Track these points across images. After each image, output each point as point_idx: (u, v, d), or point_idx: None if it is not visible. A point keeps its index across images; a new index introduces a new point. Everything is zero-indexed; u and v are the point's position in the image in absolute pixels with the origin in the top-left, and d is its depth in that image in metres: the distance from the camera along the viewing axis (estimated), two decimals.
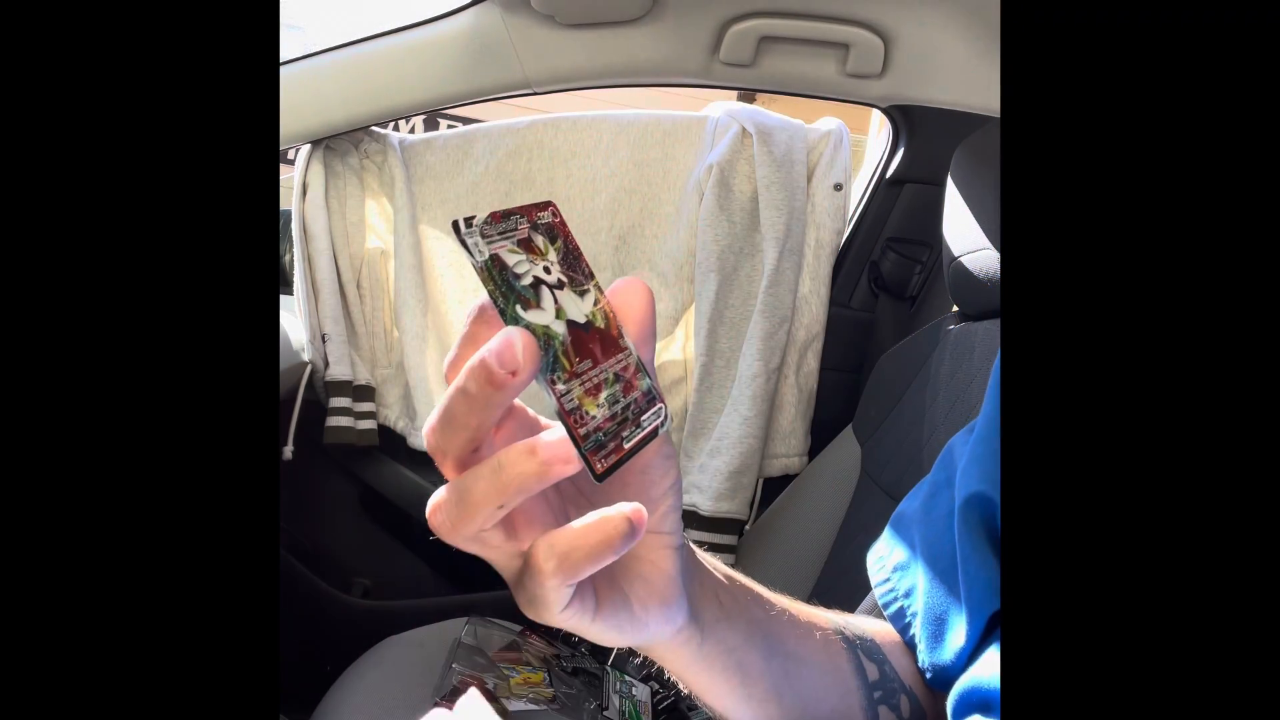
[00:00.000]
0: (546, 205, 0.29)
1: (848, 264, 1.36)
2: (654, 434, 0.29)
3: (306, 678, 1.02)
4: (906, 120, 1.28)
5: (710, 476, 1.29)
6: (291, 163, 1.26)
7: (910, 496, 0.50)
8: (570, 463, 0.25)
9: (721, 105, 1.36)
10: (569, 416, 0.26)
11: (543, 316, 0.26)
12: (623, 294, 0.29)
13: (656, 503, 0.31)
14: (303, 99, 1.13)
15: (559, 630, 1.16)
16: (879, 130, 1.40)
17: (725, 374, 1.33)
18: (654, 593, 0.31)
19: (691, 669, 0.35)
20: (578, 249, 0.29)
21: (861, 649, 0.43)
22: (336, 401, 1.24)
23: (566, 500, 0.32)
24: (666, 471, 0.31)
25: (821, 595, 0.44)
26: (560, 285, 0.28)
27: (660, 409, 0.29)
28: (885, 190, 1.33)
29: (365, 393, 1.28)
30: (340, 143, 1.24)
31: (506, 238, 0.27)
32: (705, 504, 1.28)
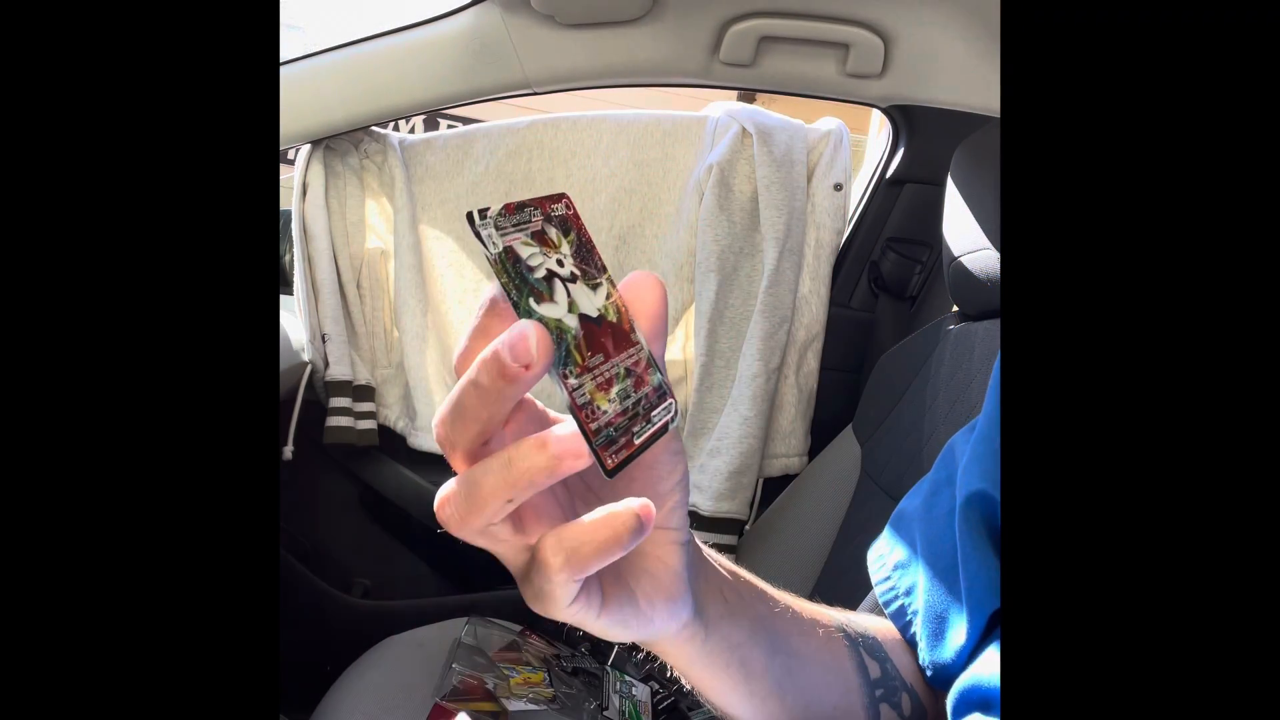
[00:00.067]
0: (560, 197, 0.29)
1: (848, 264, 1.36)
2: (664, 429, 0.29)
3: (306, 678, 1.02)
4: (906, 120, 1.28)
5: (710, 476, 1.29)
6: (291, 163, 1.26)
7: (911, 495, 0.50)
8: (581, 458, 0.25)
9: (721, 105, 1.36)
10: (580, 411, 0.26)
11: (555, 310, 0.26)
12: (635, 288, 0.29)
13: (663, 498, 0.31)
14: (303, 99, 1.13)
15: (559, 630, 1.17)
16: (879, 130, 1.40)
17: (725, 374, 1.33)
18: (659, 588, 0.31)
19: (695, 665, 0.35)
20: (591, 242, 0.29)
21: (864, 646, 0.43)
22: (336, 401, 1.24)
23: (574, 495, 0.32)
24: (674, 467, 0.31)
25: (822, 595, 0.44)
26: (573, 278, 0.27)
27: (670, 404, 0.29)
28: (885, 190, 1.33)
29: (365, 393, 1.28)
30: (340, 143, 1.24)
31: (520, 230, 0.26)
32: (705, 504, 1.28)
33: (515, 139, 1.32)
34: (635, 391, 0.28)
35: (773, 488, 1.30)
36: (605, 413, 0.27)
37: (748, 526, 1.31)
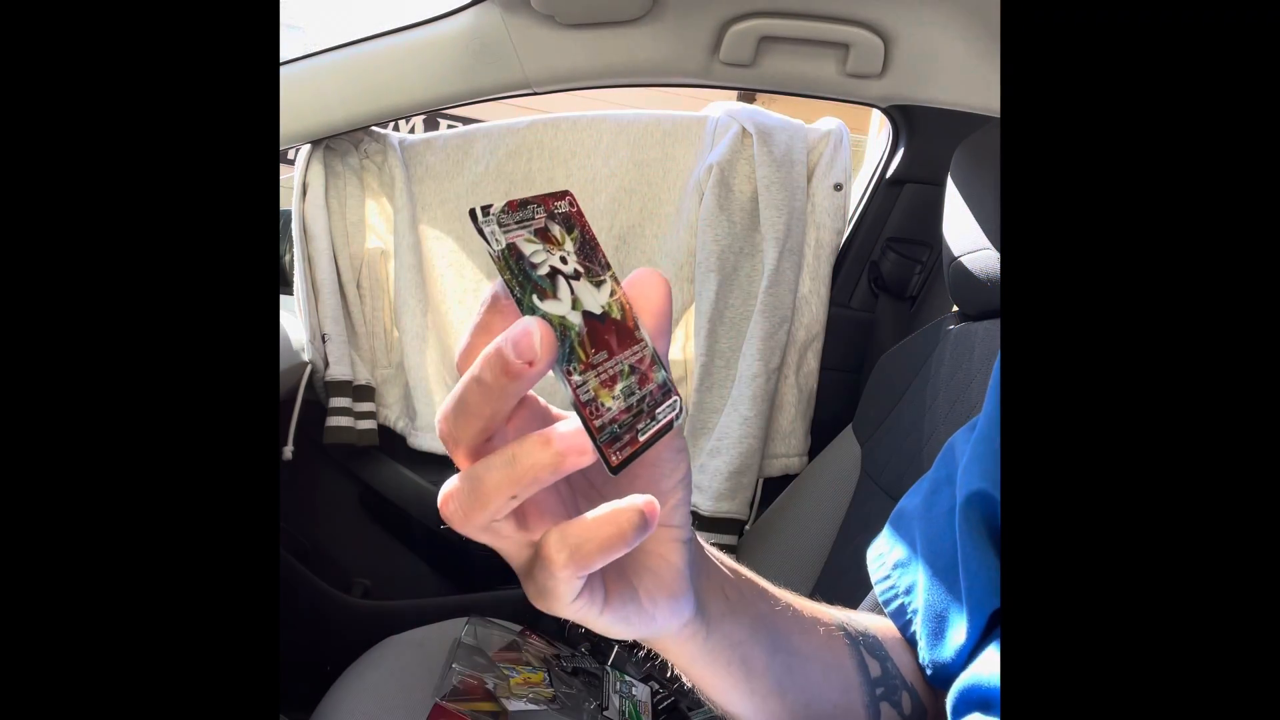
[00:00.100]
0: (564, 195, 0.29)
1: (848, 264, 1.36)
2: (669, 427, 0.29)
3: (306, 678, 1.02)
4: (906, 120, 1.28)
5: (710, 476, 1.29)
6: (291, 163, 1.26)
7: (911, 493, 0.50)
8: (585, 454, 0.25)
9: (721, 105, 1.36)
10: (584, 408, 0.26)
11: (559, 307, 0.26)
12: (640, 285, 0.29)
13: (666, 496, 0.31)
14: (303, 99, 1.13)
15: (559, 630, 1.17)
16: (879, 130, 1.40)
17: (725, 374, 1.33)
18: (662, 586, 0.31)
19: (696, 663, 0.35)
20: (595, 239, 0.29)
21: (864, 645, 0.43)
22: (336, 401, 1.24)
23: (577, 492, 0.32)
24: (677, 465, 0.31)
25: (822, 595, 0.44)
26: (577, 275, 0.27)
27: (675, 401, 0.29)
28: (885, 190, 1.33)
29: (365, 393, 1.28)
30: (340, 143, 1.24)
31: (524, 227, 0.26)
32: (705, 504, 1.28)
33: (515, 139, 1.32)
34: (640, 388, 0.28)
35: (773, 488, 1.31)
36: (609, 409, 0.26)
37: (748, 526, 1.31)
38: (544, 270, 0.26)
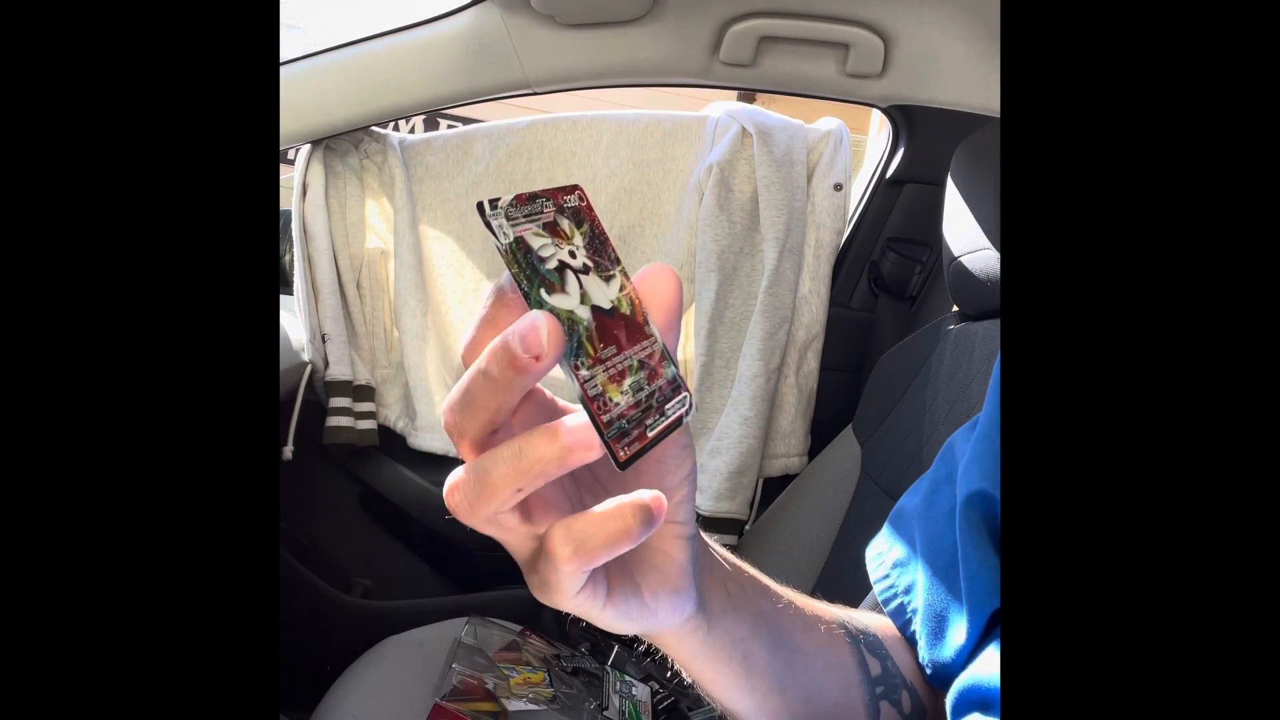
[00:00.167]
0: (574, 189, 0.28)
1: (848, 264, 1.36)
2: (678, 422, 0.29)
3: (306, 678, 1.02)
4: (906, 120, 1.28)
5: (710, 476, 1.29)
6: (291, 163, 1.26)
7: (910, 493, 0.50)
8: (592, 449, 0.25)
9: (721, 105, 1.36)
10: (592, 403, 0.26)
11: (567, 301, 0.26)
12: (650, 281, 0.29)
13: (671, 492, 0.31)
14: (303, 99, 1.13)
15: (559, 630, 1.17)
16: (879, 130, 1.40)
17: (725, 374, 1.33)
18: (664, 581, 0.31)
19: (697, 659, 0.35)
20: (604, 234, 0.29)
21: (865, 643, 0.43)
22: (336, 401, 1.24)
23: (581, 486, 0.32)
24: (683, 461, 0.31)
25: (822, 595, 0.44)
26: (586, 270, 0.27)
27: (685, 397, 0.29)
28: (885, 190, 1.33)
29: (365, 393, 1.28)
30: (340, 143, 1.24)
31: (532, 220, 0.26)
32: (705, 504, 1.28)
33: (515, 139, 1.32)
34: (649, 384, 0.28)
35: (773, 488, 1.31)
36: (618, 405, 0.26)
37: (748, 526, 1.31)
38: (552, 264, 0.26)
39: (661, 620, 0.32)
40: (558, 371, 0.26)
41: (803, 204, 1.32)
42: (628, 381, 0.27)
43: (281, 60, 1.08)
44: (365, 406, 1.27)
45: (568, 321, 0.26)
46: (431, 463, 1.32)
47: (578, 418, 0.26)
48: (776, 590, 0.40)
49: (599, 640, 1.14)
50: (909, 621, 0.46)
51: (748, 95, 1.93)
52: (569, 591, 0.27)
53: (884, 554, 0.50)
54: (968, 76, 1.13)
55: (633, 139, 1.34)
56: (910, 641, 0.46)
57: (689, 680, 0.37)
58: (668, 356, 0.29)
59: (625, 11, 1.08)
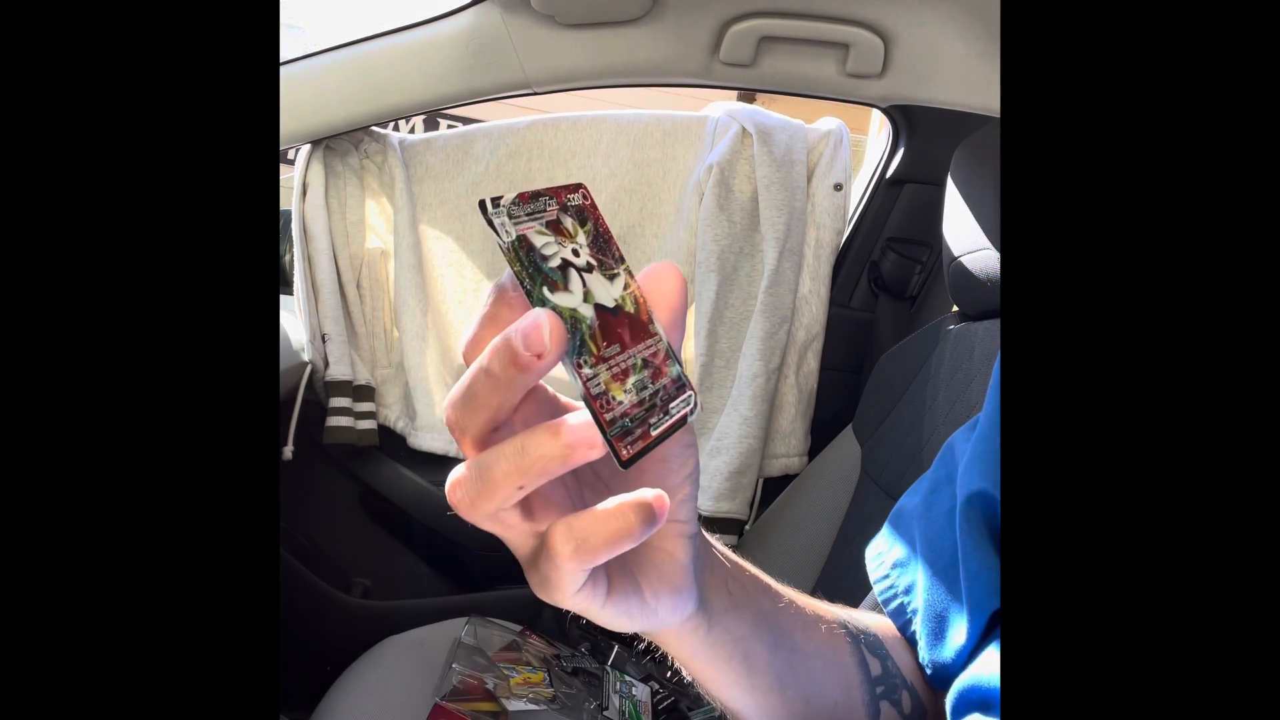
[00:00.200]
0: (577, 187, 0.28)
1: (848, 264, 1.36)
2: (683, 421, 0.29)
3: (306, 678, 1.02)
4: (906, 120, 1.28)
5: (710, 476, 1.29)
6: (291, 163, 1.26)
7: (910, 493, 0.50)
8: (594, 447, 0.25)
9: (721, 105, 1.36)
10: (595, 401, 0.26)
11: (570, 299, 0.26)
12: (656, 279, 0.29)
13: (674, 491, 0.31)
14: (303, 99, 1.13)
15: (559, 630, 1.17)
16: (879, 130, 1.40)
17: (725, 374, 1.33)
18: (665, 580, 0.31)
19: (697, 657, 0.35)
20: (609, 233, 0.29)
21: (865, 643, 0.43)
22: (336, 401, 1.24)
23: (583, 484, 0.32)
24: (685, 460, 0.31)
25: (822, 595, 0.44)
26: (589, 268, 0.27)
27: (690, 396, 0.29)
28: (885, 190, 1.33)
29: (365, 393, 1.28)
30: (340, 143, 1.24)
31: (535, 219, 0.26)
32: (705, 504, 1.28)
33: (515, 139, 1.32)
34: (653, 383, 0.28)
35: (773, 488, 1.31)
36: (621, 403, 0.26)
37: (748, 526, 1.31)
38: (555, 262, 0.26)
39: (662, 619, 0.32)
40: (561, 370, 0.26)
41: (803, 204, 1.32)
42: (631, 380, 0.27)
43: (281, 60, 1.08)
44: (365, 406, 1.27)
45: (570, 319, 0.26)
46: (431, 462, 1.32)
47: (580, 416, 0.25)
48: (777, 589, 0.39)
49: (599, 640, 1.14)
50: (909, 622, 0.46)
51: (748, 95, 1.93)
52: (570, 589, 0.27)
53: (884, 554, 0.50)
54: (968, 76, 1.13)
55: (633, 139, 1.34)
56: (910, 642, 0.46)
57: (689, 679, 0.37)
58: (672, 355, 0.29)
59: (625, 11, 1.08)
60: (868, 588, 0.51)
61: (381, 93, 1.14)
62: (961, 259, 0.89)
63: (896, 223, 1.33)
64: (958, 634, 0.41)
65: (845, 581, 0.94)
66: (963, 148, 0.96)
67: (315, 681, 0.98)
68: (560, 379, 0.27)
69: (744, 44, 1.12)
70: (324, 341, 1.23)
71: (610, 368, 0.26)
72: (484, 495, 0.26)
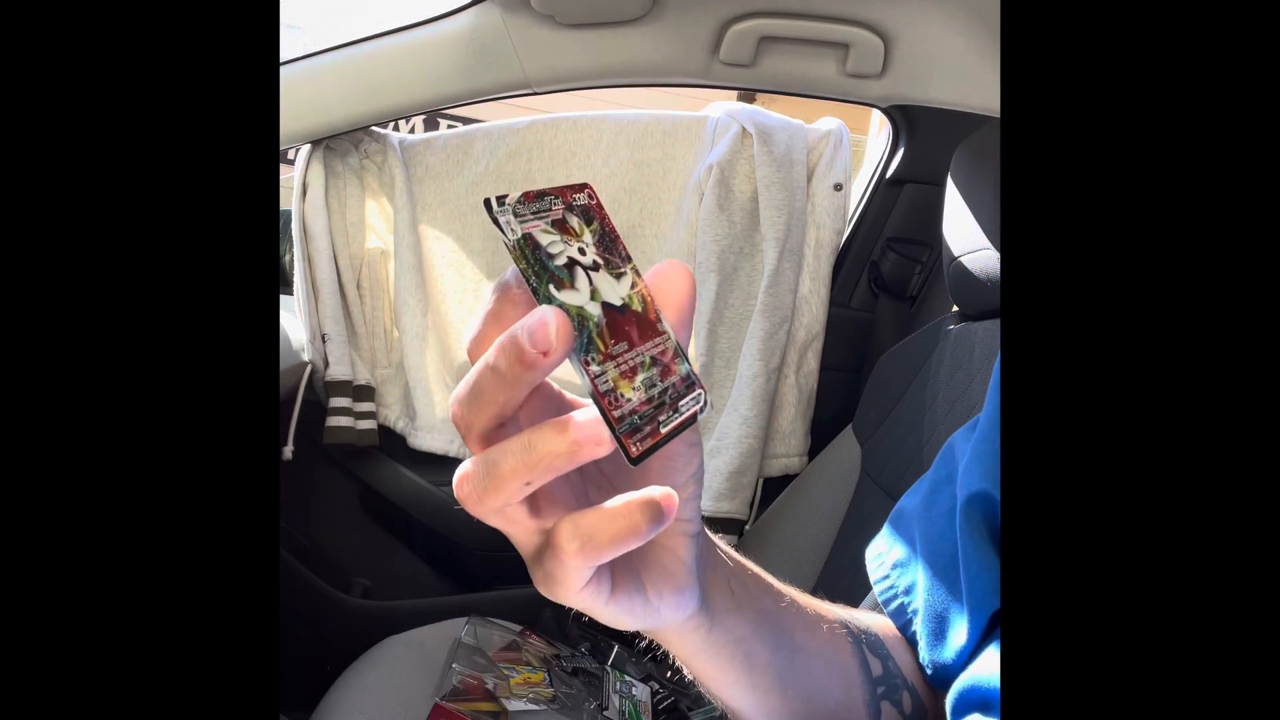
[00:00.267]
0: (583, 187, 0.28)
1: (848, 264, 1.36)
2: (692, 419, 0.29)
3: (306, 678, 1.02)
4: (906, 120, 1.28)
5: (710, 476, 1.29)
6: (291, 163, 1.26)
7: (910, 493, 0.50)
8: (601, 444, 0.25)
9: (721, 105, 1.37)
10: (603, 398, 0.26)
11: (576, 297, 0.26)
12: (664, 278, 0.29)
13: (679, 489, 0.31)
14: (303, 99, 1.13)
15: (559, 630, 1.17)
16: (879, 130, 1.40)
17: (725, 374, 1.33)
18: (668, 579, 0.31)
19: (698, 656, 0.35)
20: (615, 232, 0.29)
21: (866, 643, 0.43)
22: (336, 401, 1.24)
23: (588, 481, 0.31)
24: (690, 459, 0.31)
25: (822, 595, 0.44)
26: (596, 267, 0.27)
27: (699, 394, 0.29)
28: (885, 190, 1.33)
29: (365, 393, 1.28)
30: (340, 143, 1.24)
31: (540, 218, 0.26)
32: (705, 503, 1.28)
33: (515, 139, 1.32)
34: (661, 381, 0.28)
35: (773, 488, 1.31)
36: (629, 401, 0.26)
37: (748, 526, 1.31)
38: (561, 261, 0.26)
39: (664, 617, 0.32)
40: (573, 371, 0.26)
41: (803, 204, 1.32)
42: (640, 378, 0.27)
43: (281, 60, 1.08)
44: (365, 406, 1.27)
45: (577, 317, 0.26)
46: (431, 463, 1.32)
47: (587, 412, 0.25)
48: (780, 589, 0.39)
49: (599, 640, 1.14)
50: (909, 622, 0.46)
51: (748, 95, 1.93)
52: (574, 586, 0.27)
53: (884, 554, 0.50)
54: (968, 76, 1.13)
55: (633, 139, 1.34)
56: (911, 642, 0.46)
57: (690, 677, 0.37)
58: (681, 353, 0.29)
59: (625, 11, 1.08)
60: (868, 588, 0.51)
61: (381, 93, 1.14)
62: (961, 259, 0.89)
63: (896, 223, 1.33)
64: (958, 634, 0.41)
65: (845, 581, 0.94)
66: (963, 148, 0.96)
67: (315, 681, 0.98)
68: (571, 379, 0.27)
69: (744, 44, 1.12)
70: (324, 341, 1.23)
71: (618, 365, 0.26)
72: (491, 491, 0.26)
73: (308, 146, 1.22)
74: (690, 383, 0.29)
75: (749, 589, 0.37)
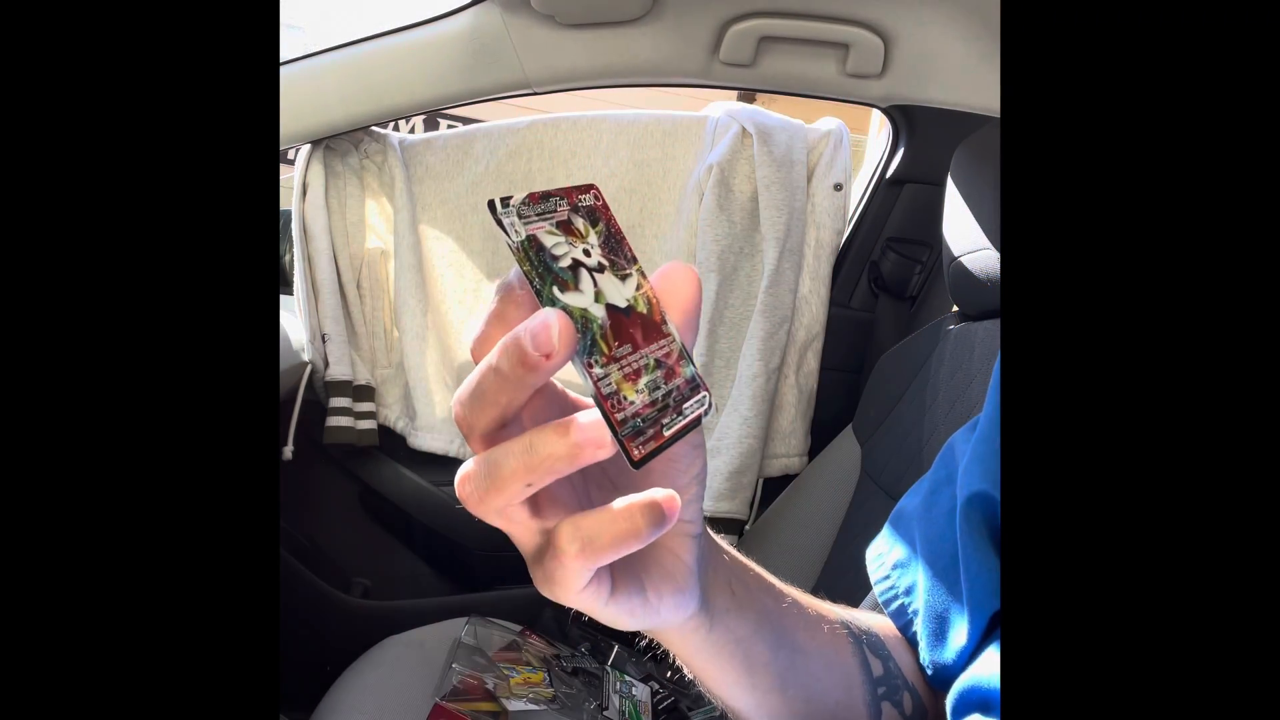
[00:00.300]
0: (589, 188, 0.28)
1: (848, 264, 1.36)
2: (696, 422, 0.28)
3: (306, 678, 1.02)
4: (906, 120, 1.28)
5: (710, 476, 1.29)
6: (291, 163, 1.26)
7: (910, 494, 0.50)
8: (603, 447, 0.25)
9: (721, 105, 1.37)
10: (606, 401, 0.26)
11: (580, 299, 0.26)
12: (670, 280, 0.29)
13: (681, 491, 0.31)
14: (303, 99, 1.13)
15: (559, 630, 1.17)
16: (879, 130, 1.40)
17: (725, 374, 1.33)
18: (668, 580, 0.31)
19: (698, 656, 0.35)
20: (620, 233, 0.29)
21: (867, 644, 0.43)
22: (336, 401, 1.24)
23: (590, 481, 0.31)
24: (693, 461, 0.31)
25: (822, 595, 0.44)
26: (600, 268, 0.27)
27: (704, 397, 0.29)
28: (885, 190, 1.33)
29: (365, 393, 1.28)
30: (340, 143, 1.24)
31: (545, 219, 0.26)
32: (705, 504, 1.28)
33: (515, 139, 1.32)
34: (666, 383, 0.28)
35: (773, 488, 1.31)
36: (632, 403, 0.26)
37: (748, 526, 1.31)
38: (565, 262, 0.26)
39: (664, 618, 0.32)
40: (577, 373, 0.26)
41: (803, 204, 1.32)
42: (643, 380, 0.27)
43: (281, 60, 1.08)
44: (365, 406, 1.27)
45: (580, 319, 0.26)
46: (431, 463, 1.32)
47: (590, 414, 0.25)
48: (781, 589, 0.39)
49: (599, 640, 1.14)
50: (910, 622, 0.46)
51: (748, 95, 1.93)
52: (574, 587, 0.27)
53: (884, 555, 0.50)
54: (968, 76, 1.13)
55: (633, 139, 1.34)
56: (911, 642, 0.46)
57: (690, 676, 0.37)
58: (686, 356, 0.29)
59: (625, 11, 1.08)
60: (868, 588, 0.51)
61: (381, 93, 1.14)
62: (961, 259, 0.89)
63: (896, 223, 1.33)
64: (958, 635, 0.41)
65: (845, 581, 0.94)
66: (963, 148, 0.96)
67: (315, 681, 0.98)
68: (577, 378, 0.27)
69: (744, 44, 1.12)
70: (324, 341, 1.23)
71: (622, 368, 0.26)
72: (492, 491, 0.26)
73: (308, 146, 1.22)
74: (695, 385, 0.29)
75: (750, 589, 0.37)
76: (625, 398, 0.26)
